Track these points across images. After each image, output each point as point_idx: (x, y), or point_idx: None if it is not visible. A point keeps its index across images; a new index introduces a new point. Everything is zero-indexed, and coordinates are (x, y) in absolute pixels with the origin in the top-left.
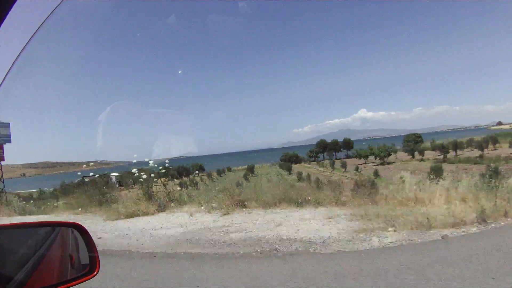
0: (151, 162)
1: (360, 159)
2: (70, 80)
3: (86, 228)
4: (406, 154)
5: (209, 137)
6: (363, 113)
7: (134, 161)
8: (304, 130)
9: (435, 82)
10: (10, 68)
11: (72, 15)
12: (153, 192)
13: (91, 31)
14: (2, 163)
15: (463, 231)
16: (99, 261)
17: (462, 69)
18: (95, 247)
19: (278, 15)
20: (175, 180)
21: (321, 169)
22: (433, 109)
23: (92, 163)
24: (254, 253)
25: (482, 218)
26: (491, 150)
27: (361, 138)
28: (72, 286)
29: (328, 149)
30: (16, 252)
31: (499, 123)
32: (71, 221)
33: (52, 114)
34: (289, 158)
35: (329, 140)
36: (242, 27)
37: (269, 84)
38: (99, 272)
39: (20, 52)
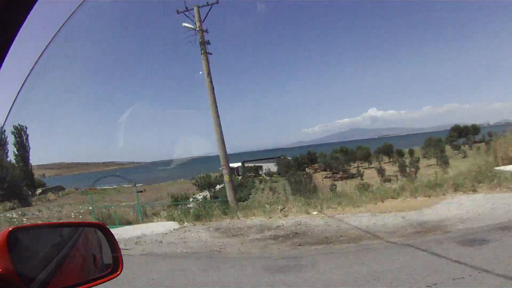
0: None
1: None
2: (86, 83)
3: None
4: None
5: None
6: (373, 112)
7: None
8: (314, 130)
9: (444, 80)
10: (29, 73)
11: (90, 19)
12: None
13: (109, 34)
14: None
15: None
16: (122, 261)
17: (470, 67)
18: (118, 247)
19: (291, 17)
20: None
21: None
22: (442, 107)
23: (100, 163)
24: None
25: None
26: None
27: (374, 137)
28: (95, 285)
29: (463, 135)
30: (39, 252)
31: None
32: (94, 221)
33: (66, 116)
34: (434, 143)
35: (339, 140)
36: (257, 28)
37: (281, 85)
38: (122, 272)
39: (40, 56)
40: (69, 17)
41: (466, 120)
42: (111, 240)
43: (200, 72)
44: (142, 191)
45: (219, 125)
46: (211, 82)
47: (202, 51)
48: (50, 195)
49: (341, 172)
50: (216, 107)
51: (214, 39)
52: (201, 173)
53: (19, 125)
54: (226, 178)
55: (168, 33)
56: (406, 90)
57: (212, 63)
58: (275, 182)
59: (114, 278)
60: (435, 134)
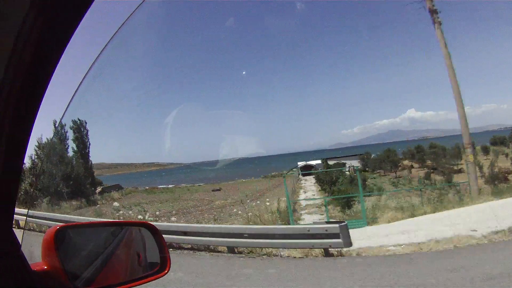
0: None
1: None
2: (129, 83)
3: None
4: None
5: (267, 138)
6: (412, 113)
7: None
8: (354, 131)
9: (485, 78)
10: (87, 73)
11: (140, 21)
12: None
13: (153, 36)
14: None
15: None
16: (169, 260)
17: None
18: (166, 247)
19: (330, 15)
20: None
21: None
22: (480, 108)
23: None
24: None
25: None
26: None
27: (415, 138)
28: (142, 283)
29: None
30: (85, 250)
31: None
32: (142, 221)
33: (110, 117)
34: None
35: (378, 142)
36: (298, 27)
37: (319, 85)
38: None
39: (97, 57)
40: (131, 14)
41: (503, 121)
42: (159, 240)
43: (244, 72)
44: (218, 189)
45: (461, 104)
46: (449, 54)
47: (435, 19)
48: (114, 194)
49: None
50: (457, 83)
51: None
52: (259, 172)
53: (78, 119)
54: (470, 157)
55: (211, 34)
56: (445, 91)
57: (258, 62)
58: (374, 178)
59: (162, 276)
60: (477, 136)
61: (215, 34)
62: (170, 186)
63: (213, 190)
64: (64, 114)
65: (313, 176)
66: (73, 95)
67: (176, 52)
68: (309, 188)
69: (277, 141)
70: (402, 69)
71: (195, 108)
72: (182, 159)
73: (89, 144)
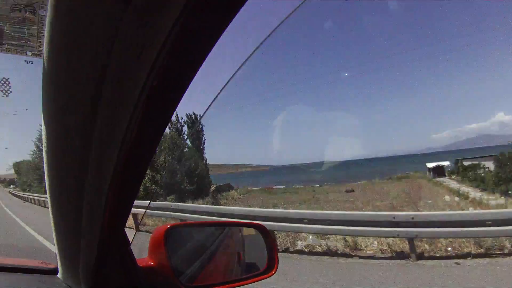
0: None
1: None
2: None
3: None
4: None
5: (365, 141)
6: (501, 117)
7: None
8: (443, 136)
9: None
10: (234, 73)
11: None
12: None
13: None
14: None
15: None
16: (277, 262)
17: None
18: (276, 248)
19: (421, 14)
20: None
21: None
22: None
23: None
24: None
25: None
26: None
27: (504, 143)
28: (248, 283)
29: None
30: (189, 248)
31: None
32: (253, 222)
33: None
34: None
35: (468, 147)
36: (390, 26)
37: (410, 86)
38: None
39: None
40: (289, 15)
41: None
42: (269, 240)
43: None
44: (352, 191)
45: None
46: None
47: None
48: (234, 193)
49: None
50: None
51: None
52: (368, 174)
53: (193, 113)
54: None
55: (311, 37)
56: None
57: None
58: None
59: (268, 277)
60: None
61: (317, 36)
62: (280, 187)
63: (346, 191)
64: (204, 113)
65: (447, 177)
66: (216, 97)
67: (273, 54)
68: (464, 189)
69: (370, 145)
70: (495, 70)
71: (296, 111)
72: (269, 162)
73: (204, 139)
